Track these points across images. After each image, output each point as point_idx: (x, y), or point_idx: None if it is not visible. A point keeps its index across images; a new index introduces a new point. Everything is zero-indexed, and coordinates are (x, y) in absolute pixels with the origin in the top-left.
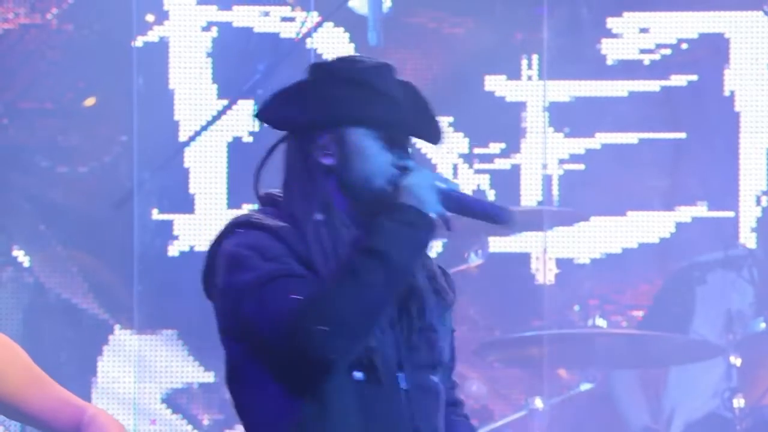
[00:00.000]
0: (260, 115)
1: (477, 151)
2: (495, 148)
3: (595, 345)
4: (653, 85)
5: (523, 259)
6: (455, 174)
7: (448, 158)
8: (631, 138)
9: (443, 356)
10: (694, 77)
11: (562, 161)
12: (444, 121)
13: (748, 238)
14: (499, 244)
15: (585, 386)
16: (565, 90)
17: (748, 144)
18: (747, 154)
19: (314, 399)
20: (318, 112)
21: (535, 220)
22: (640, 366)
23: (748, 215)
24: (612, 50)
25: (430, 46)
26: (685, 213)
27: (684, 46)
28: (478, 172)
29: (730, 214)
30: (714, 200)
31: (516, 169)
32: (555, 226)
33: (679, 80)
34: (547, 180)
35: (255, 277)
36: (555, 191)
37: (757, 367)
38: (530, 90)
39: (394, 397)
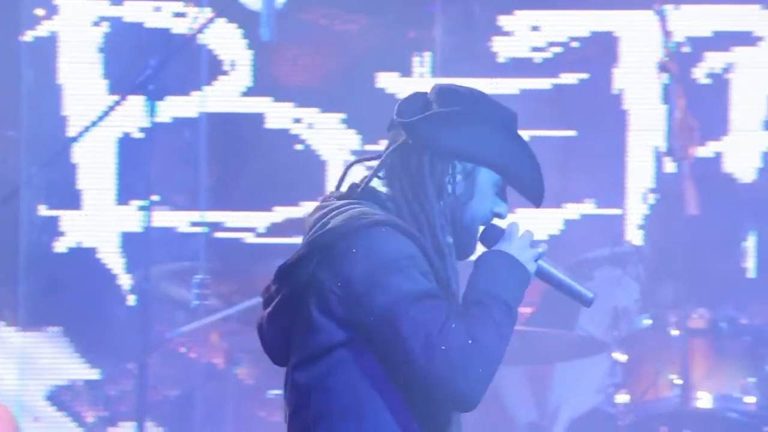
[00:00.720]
0: (409, 127)
1: (368, 147)
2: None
3: None
4: (544, 83)
5: None
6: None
7: (340, 155)
8: (522, 135)
9: None
10: (585, 75)
11: None
12: (335, 118)
13: (634, 236)
14: None
15: None
16: None
17: (635, 142)
18: (634, 152)
19: (426, 403)
20: (465, 146)
21: None
22: (527, 362)
23: (634, 213)
24: (504, 48)
25: (323, 43)
26: (574, 210)
27: (575, 44)
28: (370, 168)
29: (618, 211)
30: (602, 198)
31: None
32: None
33: (569, 78)
34: None
35: (414, 289)
36: None
37: (642, 363)
38: (422, 87)
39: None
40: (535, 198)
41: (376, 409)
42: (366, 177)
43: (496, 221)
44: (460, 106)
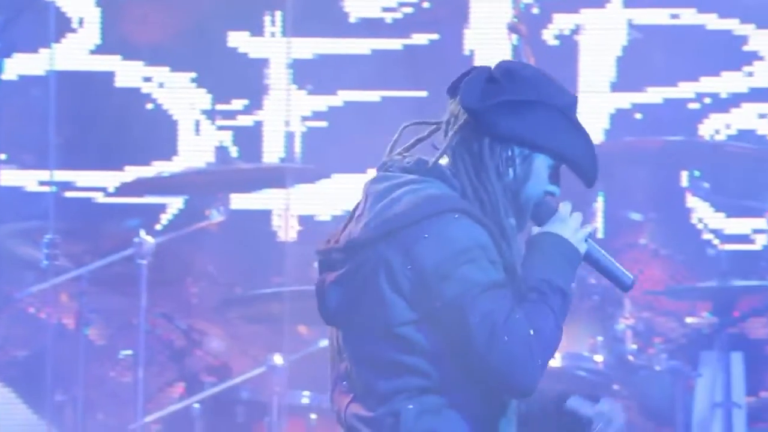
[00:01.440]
0: (476, 113)
1: (219, 107)
2: (238, 104)
3: None
4: (395, 44)
5: (265, 216)
6: (197, 131)
7: (191, 114)
8: (373, 96)
9: None
10: (435, 36)
11: (304, 118)
12: (186, 77)
13: None
14: (240, 201)
15: (324, 342)
16: (309, 47)
17: None
18: None
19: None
20: (524, 132)
21: (277, 177)
22: None
23: None
24: (355, 8)
25: (173, 1)
26: None
27: (426, 4)
28: (220, 128)
29: None
30: None
31: (258, 125)
32: (297, 183)
33: (420, 39)
34: (289, 137)
35: (483, 280)
36: (297, 148)
37: None
38: (273, 47)
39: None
40: (589, 181)
41: (440, 389)
42: (436, 154)
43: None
44: (525, 93)
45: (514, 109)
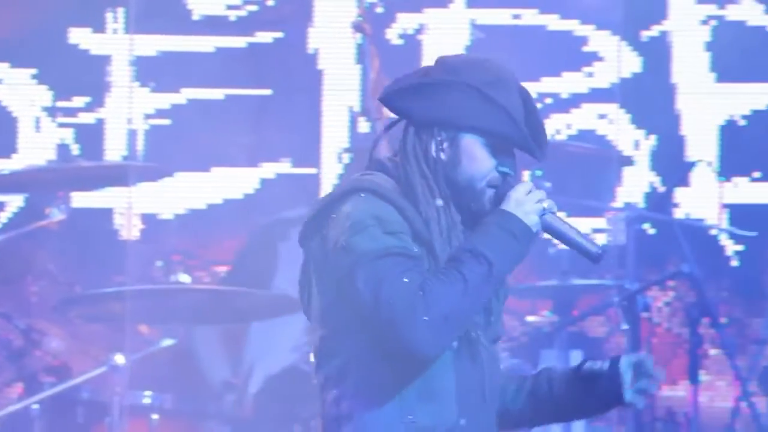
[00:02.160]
0: (386, 101)
1: (60, 104)
2: (79, 101)
3: (177, 301)
4: (239, 41)
5: (107, 214)
6: (38, 128)
7: (31, 111)
8: (217, 94)
9: (502, 330)
10: (280, 34)
11: (147, 116)
12: (26, 74)
13: None
14: (82, 199)
15: (166, 342)
16: (151, 44)
17: (330, 102)
18: (330, 112)
19: (407, 360)
20: (441, 114)
21: (119, 175)
22: (223, 321)
23: (329, 172)
24: (198, 5)
25: None
26: (270, 169)
27: (270, 2)
28: (61, 125)
29: (313, 170)
30: (297, 157)
31: (100, 123)
32: (140, 182)
33: (264, 37)
34: (131, 135)
35: (374, 248)
36: (140, 146)
37: None
38: (116, 43)
39: (477, 364)
40: (530, 151)
41: (357, 371)
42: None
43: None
44: (438, 75)
45: (424, 92)
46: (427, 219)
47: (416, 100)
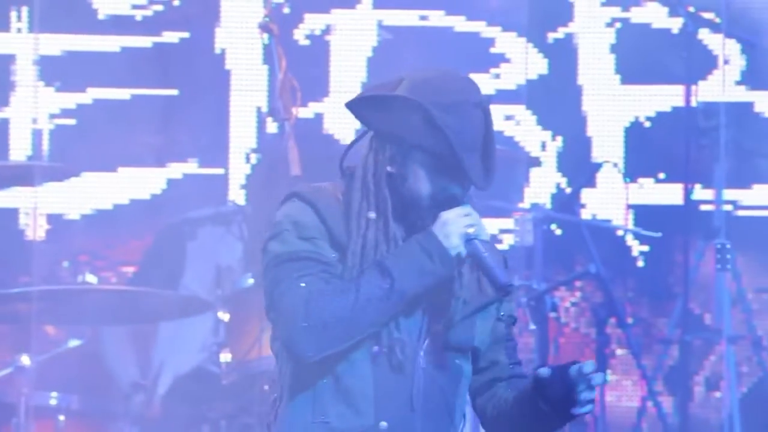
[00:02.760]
0: (351, 107)
1: None
2: None
3: (84, 301)
4: (145, 41)
5: (12, 214)
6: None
7: None
8: (123, 93)
9: (472, 341)
10: (186, 34)
11: (52, 116)
12: None
13: (237, 195)
14: None
15: (73, 342)
16: (56, 44)
17: (237, 102)
18: (237, 112)
19: (325, 363)
20: (392, 129)
21: (24, 175)
22: (130, 322)
23: (237, 172)
24: (103, 5)
25: None
26: (177, 169)
27: (176, 2)
28: None
29: (220, 171)
30: (204, 157)
31: (5, 123)
32: (45, 182)
33: (171, 37)
34: (37, 134)
35: (282, 251)
36: (45, 146)
37: (244, 322)
38: (20, 43)
39: (405, 372)
40: (468, 179)
41: (291, 374)
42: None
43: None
44: (401, 91)
45: (383, 105)
46: (350, 229)
47: (375, 111)
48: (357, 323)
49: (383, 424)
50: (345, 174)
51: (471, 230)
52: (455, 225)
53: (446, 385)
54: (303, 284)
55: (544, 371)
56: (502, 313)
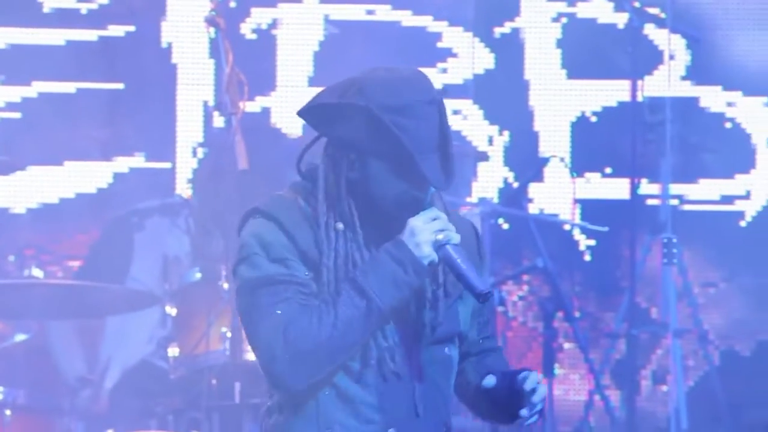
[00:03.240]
0: (303, 115)
1: None
2: None
3: (30, 295)
4: (91, 35)
5: None
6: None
7: None
8: (68, 87)
9: (458, 328)
10: (132, 28)
11: None
12: None
13: (184, 189)
14: None
15: (20, 337)
16: (1, 37)
17: (185, 96)
18: (184, 107)
19: (329, 377)
20: (347, 136)
21: None
22: (77, 316)
23: (184, 166)
24: None
25: None
26: (123, 163)
27: None
28: None
29: (167, 164)
30: (151, 151)
31: None
32: None
33: (116, 30)
34: None
35: (254, 276)
36: None
37: (192, 317)
38: None
39: (403, 378)
40: (427, 181)
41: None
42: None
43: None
44: (350, 98)
45: (334, 113)
46: (320, 243)
47: (327, 120)
48: (338, 347)
49: (391, 430)
50: (305, 177)
51: (440, 236)
52: (424, 233)
53: (441, 379)
54: (279, 311)
55: (489, 382)
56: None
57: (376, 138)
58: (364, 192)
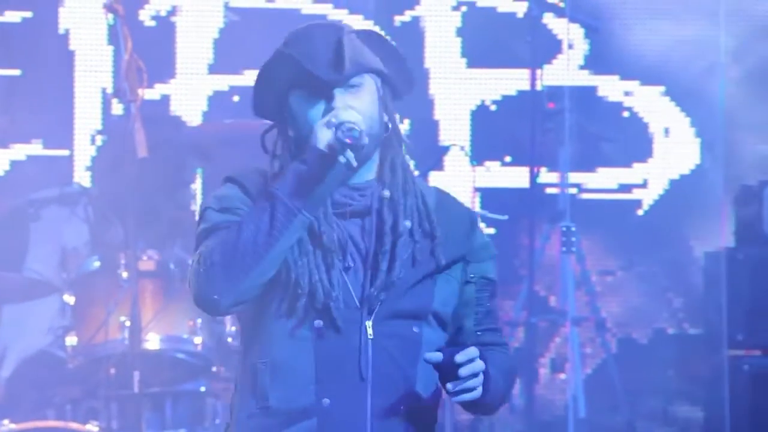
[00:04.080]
0: (257, 112)
1: None
2: None
3: None
4: None
5: None
6: None
7: None
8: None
9: (429, 306)
10: (29, 14)
11: None
12: None
13: (83, 177)
14: None
15: None
16: None
17: (83, 83)
18: (82, 94)
19: (266, 344)
20: (272, 93)
21: None
22: None
23: (83, 154)
24: None
25: None
26: (20, 151)
27: None
28: None
29: (65, 152)
30: (49, 138)
31: None
32: None
33: (13, 16)
34: None
35: (203, 229)
36: None
37: (91, 305)
38: None
39: (351, 344)
40: (324, 76)
41: (239, 364)
42: None
43: None
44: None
45: (262, 89)
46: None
47: (264, 97)
48: (251, 249)
49: (325, 401)
50: (274, 158)
51: (333, 119)
52: (320, 124)
53: (400, 354)
54: (209, 242)
55: (432, 356)
56: (471, 275)
57: (275, 71)
58: (297, 134)
